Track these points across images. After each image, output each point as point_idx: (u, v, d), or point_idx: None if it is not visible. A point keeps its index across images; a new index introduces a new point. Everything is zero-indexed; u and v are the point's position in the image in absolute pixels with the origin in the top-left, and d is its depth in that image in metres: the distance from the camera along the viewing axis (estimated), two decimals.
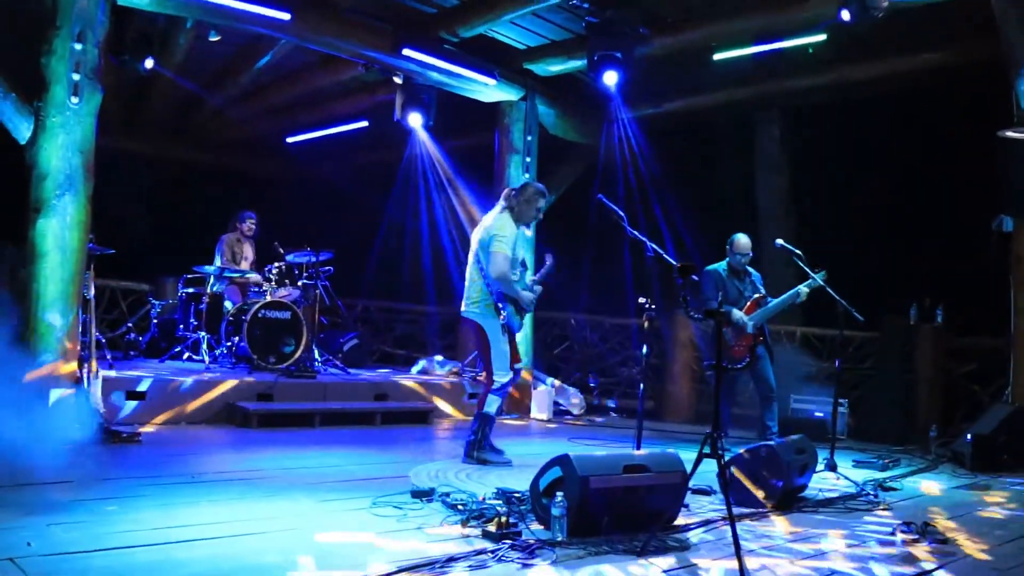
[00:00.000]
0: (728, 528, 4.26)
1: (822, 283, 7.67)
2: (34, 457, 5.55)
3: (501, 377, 6.78)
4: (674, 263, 5.34)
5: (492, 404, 6.83)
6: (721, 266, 8.49)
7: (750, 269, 8.54)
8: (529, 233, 6.95)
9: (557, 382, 11.09)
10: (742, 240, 8.41)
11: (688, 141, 12.04)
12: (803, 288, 7.92)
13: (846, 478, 6.80)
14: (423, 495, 5.37)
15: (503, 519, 4.56)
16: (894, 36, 9.36)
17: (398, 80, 10.10)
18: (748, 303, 8.32)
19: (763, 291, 8.44)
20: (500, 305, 6.69)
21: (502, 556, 4.16)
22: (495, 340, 6.75)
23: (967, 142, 9.04)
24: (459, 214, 11.27)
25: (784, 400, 9.95)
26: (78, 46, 7.42)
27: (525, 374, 9.83)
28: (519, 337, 7.17)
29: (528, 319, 10.37)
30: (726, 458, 5.96)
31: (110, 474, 5.67)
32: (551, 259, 7.04)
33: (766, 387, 8.34)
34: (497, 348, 6.75)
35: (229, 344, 9.63)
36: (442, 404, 9.91)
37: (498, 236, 6.60)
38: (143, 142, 13.48)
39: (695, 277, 5.45)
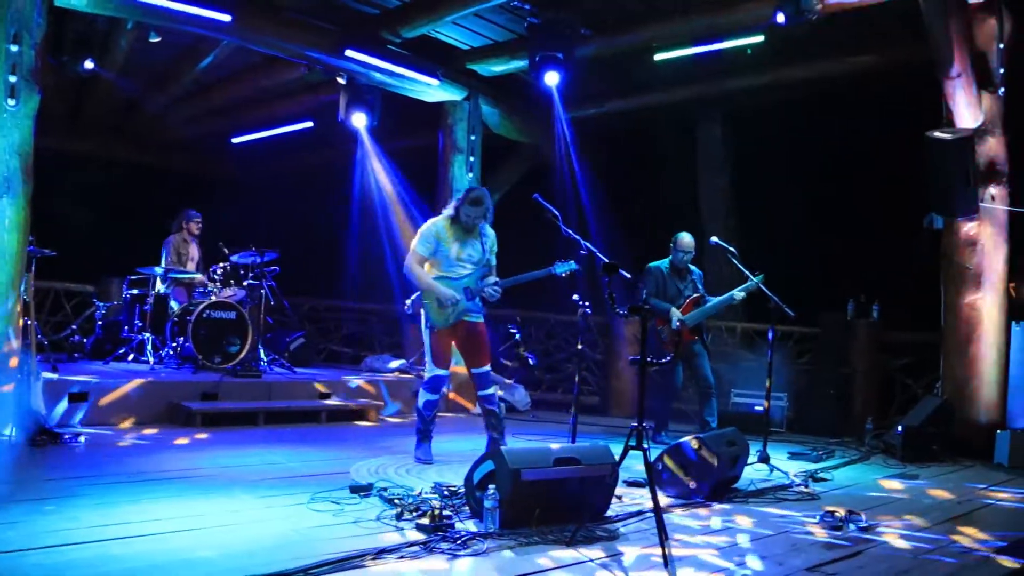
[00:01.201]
0: (656, 518, 4.41)
1: (758, 283, 7.85)
2: None
3: (427, 371, 6.89)
4: (603, 261, 5.47)
5: (420, 398, 6.94)
6: (663, 264, 8.70)
7: (692, 268, 8.73)
8: (488, 232, 6.99)
9: (505, 380, 11.21)
10: (685, 239, 8.62)
11: (631, 141, 12.21)
12: (737, 292, 8.13)
13: (779, 470, 6.96)
14: (361, 490, 5.45)
15: (436, 512, 4.67)
16: (828, 39, 9.60)
17: (342, 80, 10.14)
18: (686, 302, 8.52)
19: (703, 290, 8.63)
20: (419, 299, 6.89)
21: (433, 548, 4.27)
22: (424, 334, 6.91)
23: (900, 142, 9.25)
24: (400, 213, 11.33)
25: (724, 395, 10.17)
26: (14, 47, 7.32)
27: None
28: None
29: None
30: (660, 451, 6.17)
31: (49, 475, 5.68)
32: (560, 268, 6.87)
33: (704, 383, 8.57)
34: (425, 342, 6.89)
35: (174, 345, 9.63)
36: (388, 402, 9.98)
37: (417, 235, 6.85)
38: (86, 142, 13.41)
39: (624, 274, 5.56)
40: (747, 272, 7.89)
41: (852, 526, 5.19)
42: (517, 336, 7.05)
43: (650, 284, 8.61)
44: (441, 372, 6.86)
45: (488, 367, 7.02)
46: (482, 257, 6.88)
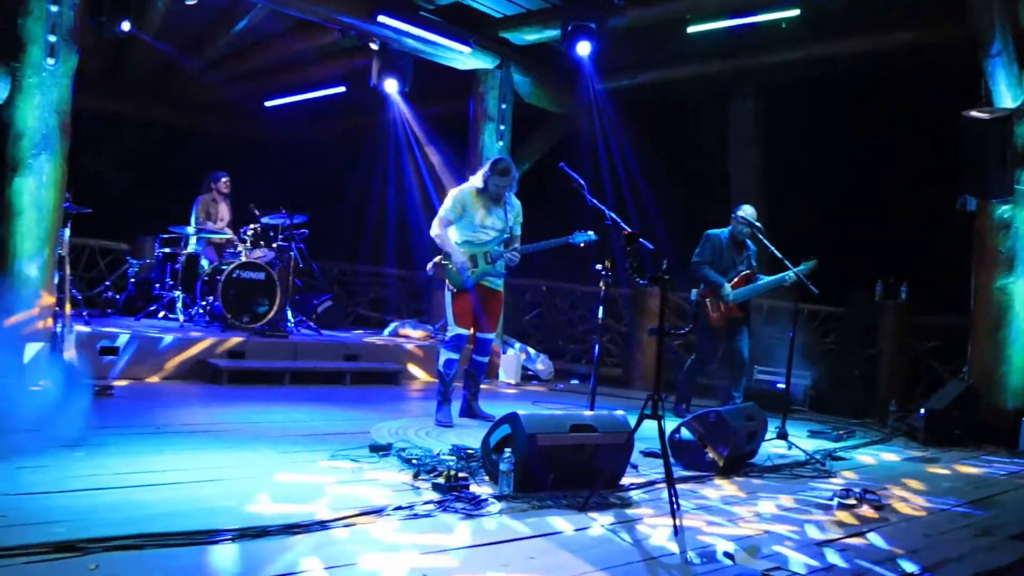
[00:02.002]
0: (668, 488, 4.46)
1: (811, 267, 7.80)
2: (6, 406, 5.69)
3: (449, 330, 7.18)
4: (626, 231, 5.50)
5: (441, 357, 7.23)
6: (724, 232, 8.61)
7: (749, 243, 8.62)
8: (514, 203, 7.29)
9: (530, 349, 11.29)
10: (749, 210, 8.49)
11: (662, 113, 12.13)
12: (789, 274, 7.96)
13: (797, 447, 6.96)
14: (380, 450, 5.54)
15: (452, 473, 4.75)
16: (864, 15, 9.48)
17: (374, 46, 10.15)
18: (738, 277, 8.46)
19: (755, 266, 8.56)
20: (443, 261, 7.15)
21: (447, 507, 4.35)
22: (445, 296, 7.20)
23: (936, 121, 9.16)
24: (428, 180, 11.40)
25: (749, 371, 10.16)
26: (54, 8, 7.47)
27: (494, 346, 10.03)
28: None
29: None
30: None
31: (79, 424, 5.81)
32: (578, 237, 7.17)
33: (739, 359, 8.56)
34: (447, 303, 7.18)
35: (204, 303, 9.77)
36: (412, 366, 10.09)
37: (446, 200, 7.19)
38: (124, 102, 13.55)
39: (646, 243, 5.60)
40: (771, 247, 7.83)
41: (866, 504, 5.21)
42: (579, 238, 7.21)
43: (707, 251, 8.52)
44: (462, 331, 7.11)
45: (493, 335, 7.40)
46: (505, 226, 7.18)
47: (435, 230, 7.13)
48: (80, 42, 7.73)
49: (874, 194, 10.74)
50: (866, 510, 5.12)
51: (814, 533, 4.51)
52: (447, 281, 7.12)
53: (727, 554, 3.93)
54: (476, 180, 7.13)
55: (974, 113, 8.16)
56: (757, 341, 10.48)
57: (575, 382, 11.30)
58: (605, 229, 6.28)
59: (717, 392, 8.98)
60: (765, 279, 8.41)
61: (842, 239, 10.67)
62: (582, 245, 7.14)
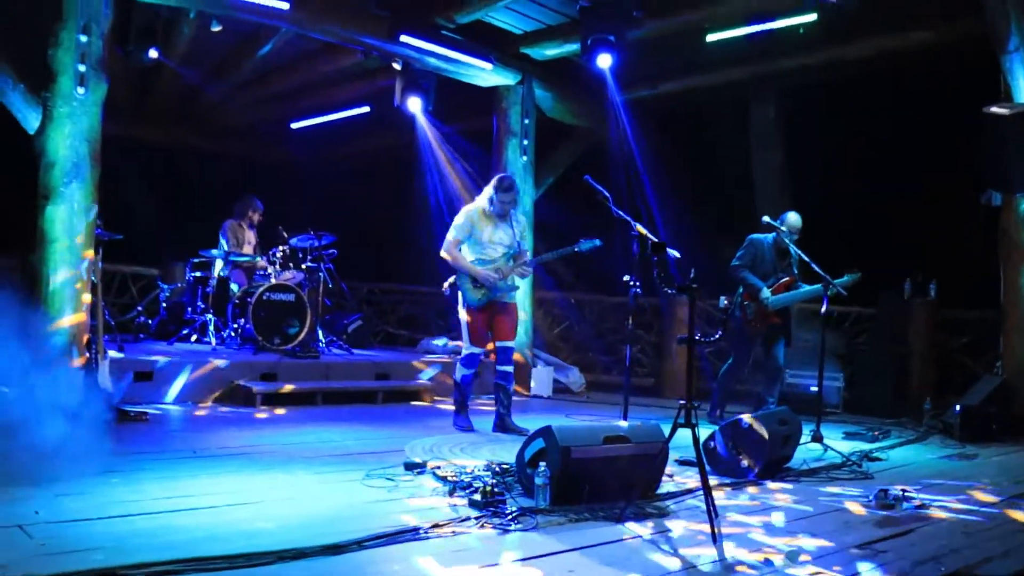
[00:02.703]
0: (705, 496, 4.45)
1: (853, 280, 7.71)
2: (44, 433, 5.76)
3: (464, 348, 7.52)
4: (653, 240, 5.52)
5: (457, 373, 7.60)
6: (768, 238, 8.56)
7: (794, 251, 8.46)
8: (519, 219, 7.64)
9: (561, 361, 11.31)
10: (791, 218, 8.41)
11: (684, 121, 12.15)
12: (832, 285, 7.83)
13: (832, 449, 6.94)
14: (415, 467, 5.55)
15: (488, 488, 4.76)
16: (881, 16, 9.47)
17: (397, 66, 10.24)
18: (778, 283, 8.40)
19: (796, 274, 8.49)
20: (457, 281, 7.47)
21: (485, 523, 4.36)
22: (460, 314, 7.51)
23: (958, 118, 9.13)
24: (457, 196, 11.45)
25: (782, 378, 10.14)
26: (83, 38, 7.63)
27: (517, 356, 10.09)
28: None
29: (525, 301, 10.64)
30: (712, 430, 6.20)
31: (116, 450, 5.86)
32: (582, 245, 7.35)
33: (774, 364, 8.53)
34: (462, 321, 7.50)
35: (235, 326, 9.84)
36: (443, 383, 10.10)
37: (454, 223, 7.47)
38: (151, 129, 13.70)
39: (673, 252, 5.62)
40: (795, 250, 7.78)
41: (905, 504, 5.18)
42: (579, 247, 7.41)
43: (747, 255, 8.48)
44: (477, 350, 7.45)
45: (513, 343, 7.56)
46: (513, 241, 7.46)
47: (446, 252, 7.41)
48: (108, 71, 7.86)
49: (898, 193, 10.68)
50: (906, 510, 5.09)
51: (855, 536, 4.48)
52: (461, 300, 7.43)
53: (767, 561, 3.93)
54: (482, 200, 7.45)
55: (995, 109, 8.11)
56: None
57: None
58: (632, 239, 6.29)
59: (751, 399, 8.94)
60: (805, 288, 8.32)
61: (869, 239, 10.67)
62: (587, 251, 7.34)
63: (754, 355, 8.79)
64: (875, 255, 10.36)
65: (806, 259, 7.83)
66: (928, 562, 4.05)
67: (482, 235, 7.36)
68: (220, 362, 8.61)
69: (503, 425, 7.49)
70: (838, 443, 7.40)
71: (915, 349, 10.10)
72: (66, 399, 6.74)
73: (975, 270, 9.49)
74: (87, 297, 7.63)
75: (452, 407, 7.81)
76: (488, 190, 7.42)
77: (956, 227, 9.90)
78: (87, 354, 7.33)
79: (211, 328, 9.76)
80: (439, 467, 5.58)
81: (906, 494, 5.30)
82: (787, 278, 8.44)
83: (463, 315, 7.45)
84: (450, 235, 7.41)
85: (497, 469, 5.48)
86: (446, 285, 7.62)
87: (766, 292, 8.31)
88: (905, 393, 9.91)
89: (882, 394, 9.96)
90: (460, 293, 7.42)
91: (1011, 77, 8.23)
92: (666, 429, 5.05)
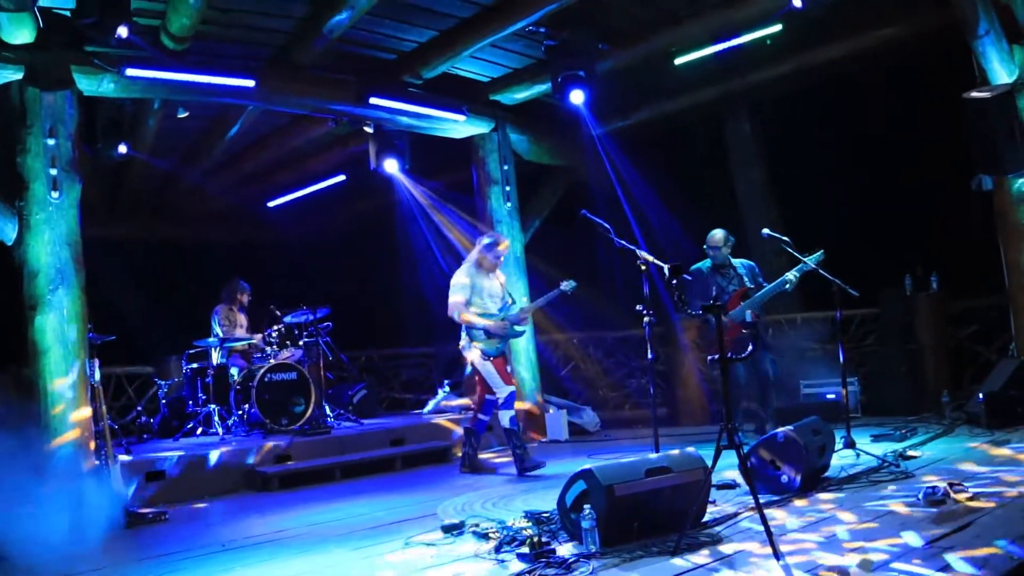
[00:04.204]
0: (757, 516, 4.32)
1: (814, 266, 7.64)
2: (63, 549, 5.59)
3: (500, 392, 7.89)
4: (665, 266, 5.43)
5: (504, 417, 7.93)
6: (704, 264, 8.62)
7: (735, 262, 8.58)
8: (498, 280, 8.24)
9: (572, 403, 11.16)
10: (713, 235, 8.59)
11: (665, 145, 12.07)
12: (790, 275, 7.88)
13: (866, 453, 6.82)
14: (454, 529, 5.41)
15: (536, 539, 4.62)
16: (847, 17, 9.45)
17: (369, 129, 10.16)
18: (731, 297, 8.35)
19: (752, 283, 8.43)
20: (469, 336, 7.95)
21: (539, 574, 4.20)
22: (480, 366, 7.93)
23: (934, 109, 9.13)
24: (455, 247, 11.35)
25: (794, 387, 10.06)
26: (51, 141, 7.55)
27: (528, 404, 10.16)
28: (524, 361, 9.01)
29: (529, 347, 10.55)
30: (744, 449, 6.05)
31: (141, 555, 5.70)
32: (564, 286, 7.97)
33: (762, 378, 8.47)
34: (484, 371, 7.92)
35: (240, 412, 9.64)
36: (459, 438, 9.89)
37: (451, 288, 7.98)
38: (126, 226, 13.45)
39: (687, 276, 5.54)
40: (799, 255, 7.70)
41: (955, 496, 5.06)
42: (554, 291, 7.76)
43: (692, 287, 8.42)
44: (512, 388, 7.97)
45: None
46: (503, 292, 8.13)
47: (456, 315, 7.88)
48: (80, 171, 7.76)
49: (887, 191, 10.63)
50: (958, 502, 4.97)
51: (915, 538, 4.35)
52: (480, 353, 7.88)
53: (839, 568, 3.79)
54: (472, 259, 8.10)
55: (975, 93, 8.13)
56: (798, 355, 10.35)
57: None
58: (640, 268, 6.20)
59: (753, 417, 8.80)
60: (763, 289, 8.24)
61: (862, 240, 10.57)
62: (570, 292, 7.98)
63: (742, 370, 8.61)
64: (871, 255, 10.33)
65: (782, 238, 7.70)
66: (997, 551, 3.92)
67: (483, 292, 7.94)
68: (231, 451, 8.40)
69: (472, 464, 8.16)
70: (868, 446, 7.27)
71: (925, 344, 9.99)
72: (81, 510, 6.59)
73: (974, 258, 9.41)
74: (87, 404, 7.43)
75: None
76: (478, 248, 8.06)
77: (949, 217, 9.83)
78: (96, 460, 7.14)
79: (215, 418, 9.54)
80: (477, 524, 5.42)
81: (954, 487, 5.18)
82: (737, 289, 8.42)
83: (487, 365, 7.88)
84: (457, 298, 7.86)
85: (538, 518, 5.33)
86: (462, 343, 8.02)
87: None
88: (922, 389, 9.79)
89: (899, 393, 9.81)
90: (480, 345, 7.87)
91: (985, 60, 8.17)
92: (703, 454, 4.93)
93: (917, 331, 10.09)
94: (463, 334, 7.99)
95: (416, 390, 13.51)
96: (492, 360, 7.91)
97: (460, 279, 7.96)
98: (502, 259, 8.17)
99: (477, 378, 8.08)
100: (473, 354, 7.92)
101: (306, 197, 13.53)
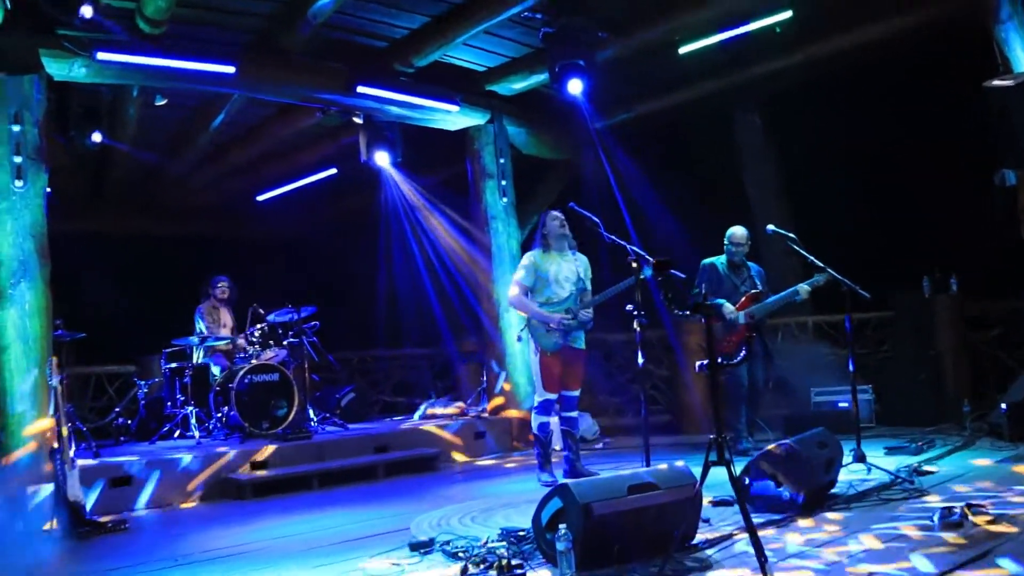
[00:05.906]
0: (752, 540, 3.85)
1: (823, 279, 7.24)
2: (13, 559, 5.21)
3: (536, 394, 7.30)
4: (653, 261, 4.97)
5: (534, 422, 7.36)
6: (719, 260, 8.30)
7: (750, 264, 8.29)
8: (580, 256, 7.47)
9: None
10: (736, 232, 8.25)
11: (670, 140, 11.62)
12: (803, 286, 7.59)
13: (878, 468, 6.31)
14: (422, 547, 5.00)
15: (504, 563, 4.20)
16: (861, 5, 8.99)
17: (358, 120, 9.77)
18: (743, 298, 8.03)
19: (762, 287, 8.12)
20: (527, 328, 7.36)
21: None
22: (533, 361, 7.31)
23: (954, 102, 8.68)
24: (445, 246, 10.94)
25: (804, 394, 9.62)
26: (16, 127, 7.24)
27: (525, 413, 9.69)
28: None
29: (524, 350, 10.06)
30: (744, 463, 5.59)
31: (91, 568, 5.32)
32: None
33: (752, 383, 8.15)
34: (533, 367, 7.33)
35: (219, 415, 9.21)
36: (449, 447, 9.45)
37: (518, 269, 7.50)
38: (110, 219, 13.07)
39: (676, 272, 5.07)
40: (810, 257, 7.24)
41: (975, 518, 4.58)
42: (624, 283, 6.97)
43: (699, 281, 8.16)
44: (551, 396, 7.25)
45: (579, 392, 7.45)
46: (578, 278, 7.33)
47: (514, 298, 7.36)
48: (48, 160, 7.43)
49: (903, 188, 10.18)
50: (977, 525, 4.49)
51: (927, 565, 3.88)
52: (535, 345, 7.22)
53: None
54: (537, 239, 7.44)
55: (997, 82, 7.65)
56: (809, 361, 9.85)
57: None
58: (629, 264, 5.76)
59: (774, 423, 8.36)
60: (774, 296, 7.96)
61: (877, 240, 10.12)
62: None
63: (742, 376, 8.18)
64: (887, 255, 9.83)
65: (788, 235, 7.28)
66: None
67: (548, 274, 7.28)
68: (204, 456, 7.95)
69: (575, 471, 7.26)
70: (882, 460, 6.79)
71: (944, 349, 9.46)
72: (35, 517, 6.22)
73: (996, 258, 8.93)
74: (47, 411, 7.02)
75: (461, 472, 7.32)
76: (538, 233, 7.44)
77: (970, 215, 9.31)
78: (54, 467, 6.71)
79: (192, 421, 9.11)
80: (448, 542, 4.98)
81: (974, 508, 4.71)
82: (751, 292, 8.09)
83: (536, 361, 7.24)
84: (515, 286, 7.36)
85: (513, 538, 4.87)
86: (519, 333, 7.47)
87: (729, 307, 7.94)
88: (940, 397, 9.25)
89: (916, 401, 9.28)
90: (533, 339, 7.24)
91: (1007, 47, 7.79)
92: (694, 469, 4.47)
93: (935, 335, 9.57)
94: (524, 325, 7.43)
95: (410, 393, 13.05)
96: (544, 356, 7.18)
97: (525, 259, 7.45)
98: (562, 228, 7.27)
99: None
100: (531, 345, 7.29)
101: (295, 192, 13.14)
